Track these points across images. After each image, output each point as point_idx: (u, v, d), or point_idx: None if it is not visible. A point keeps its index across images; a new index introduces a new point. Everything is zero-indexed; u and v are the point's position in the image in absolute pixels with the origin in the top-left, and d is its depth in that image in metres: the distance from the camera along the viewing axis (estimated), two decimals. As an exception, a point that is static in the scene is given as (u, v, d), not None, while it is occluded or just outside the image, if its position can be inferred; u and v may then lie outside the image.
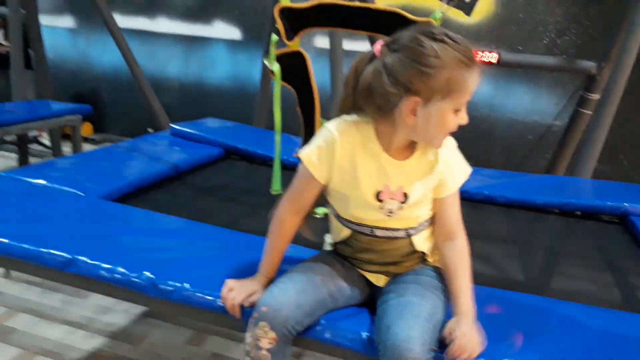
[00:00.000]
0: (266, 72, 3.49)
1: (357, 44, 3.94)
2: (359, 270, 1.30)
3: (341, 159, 1.17)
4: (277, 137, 1.94)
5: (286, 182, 1.99)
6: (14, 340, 2.15)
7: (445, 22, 1.76)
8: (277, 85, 1.86)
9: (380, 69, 1.08)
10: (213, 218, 1.83)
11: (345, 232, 1.28)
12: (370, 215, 1.21)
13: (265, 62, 1.85)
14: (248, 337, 1.13)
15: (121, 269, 1.35)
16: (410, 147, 1.19)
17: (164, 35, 4.99)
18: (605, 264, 1.82)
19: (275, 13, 1.79)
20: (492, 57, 2.90)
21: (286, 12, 1.79)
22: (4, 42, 4.52)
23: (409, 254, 1.27)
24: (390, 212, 1.20)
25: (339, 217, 1.28)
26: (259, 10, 4.57)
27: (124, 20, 4.80)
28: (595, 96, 2.94)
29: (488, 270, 1.72)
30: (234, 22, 4.76)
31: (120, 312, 2.40)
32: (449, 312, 1.17)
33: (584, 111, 2.99)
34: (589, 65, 3.00)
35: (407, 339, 1.02)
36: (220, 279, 1.26)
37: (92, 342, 2.18)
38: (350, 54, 3.75)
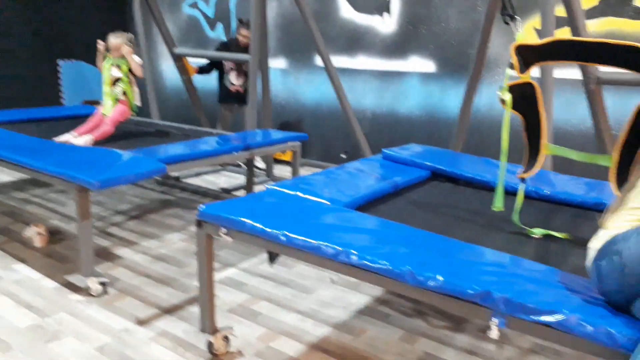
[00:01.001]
0: (468, 101, 3.72)
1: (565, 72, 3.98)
2: None
3: None
4: (503, 159, 2.15)
5: (508, 204, 2.20)
6: (261, 321, 2.65)
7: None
8: (507, 113, 2.08)
9: None
10: (433, 229, 2.10)
11: None
12: None
13: (498, 92, 2.08)
14: None
15: (383, 262, 1.69)
16: None
17: (363, 71, 5.52)
18: None
19: (511, 49, 2.02)
20: None
21: (521, 49, 2.01)
22: (235, 82, 5.45)
23: None
24: None
25: None
26: (454, 43, 4.84)
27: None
28: None
29: None
30: (429, 56, 5.09)
31: (339, 308, 2.78)
32: None
33: None
34: None
35: None
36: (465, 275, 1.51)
37: (321, 330, 2.57)
38: (558, 81, 3.80)
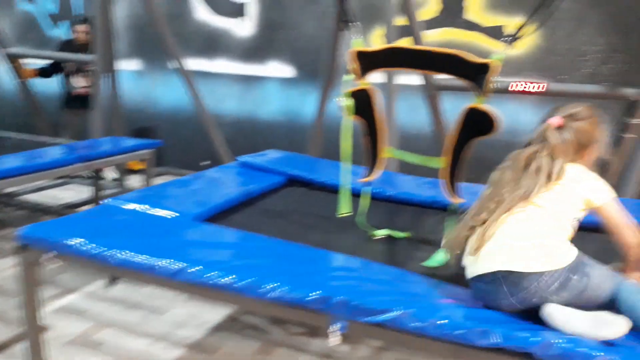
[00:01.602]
0: (322, 107, 3.78)
1: (407, 78, 4.22)
2: None
3: None
4: (346, 166, 2.17)
5: (357, 207, 2.22)
6: (105, 351, 2.40)
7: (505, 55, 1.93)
8: (347, 119, 2.10)
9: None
10: (285, 236, 2.07)
11: None
12: None
13: (338, 98, 2.10)
14: None
15: (223, 276, 1.59)
16: None
17: (222, 75, 5.38)
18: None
19: (349, 55, 2.04)
20: (540, 87, 3.07)
21: (360, 55, 2.05)
22: (78, 85, 4.98)
23: None
24: None
25: None
26: (311, 49, 4.90)
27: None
28: (637, 121, 3.07)
29: None
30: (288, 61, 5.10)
31: (194, 327, 2.63)
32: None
33: (628, 135, 3.11)
34: (631, 92, 3.13)
35: None
36: (303, 282, 1.48)
37: (173, 353, 2.41)
38: (402, 87, 4.01)
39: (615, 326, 1.36)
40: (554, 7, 1.96)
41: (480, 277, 1.53)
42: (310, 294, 1.49)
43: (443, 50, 2.02)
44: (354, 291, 1.52)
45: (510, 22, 4.19)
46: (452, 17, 4.37)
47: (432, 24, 4.44)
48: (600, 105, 3.79)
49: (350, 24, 2.15)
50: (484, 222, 1.56)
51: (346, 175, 2.21)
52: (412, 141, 4.49)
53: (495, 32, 4.25)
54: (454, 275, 1.72)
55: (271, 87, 5.22)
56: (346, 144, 2.16)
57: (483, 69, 1.90)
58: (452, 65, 1.99)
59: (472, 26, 4.32)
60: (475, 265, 1.55)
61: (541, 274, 1.44)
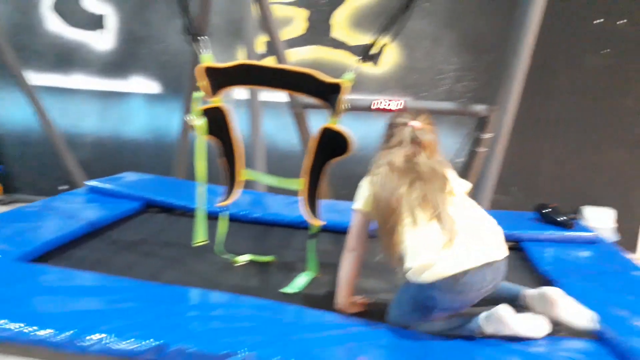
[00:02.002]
0: (187, 125, 3.56)
1: (274, 95, 4.15)
2: None
3: None
4: (201, 189, 2.01)
5: (210, 231, 2.07)
6: None
7: (356, 74, 1.92)
8: (201, 138, 1.95)
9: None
10: (133, 271, 1.85)
11: None
12: None
13: (188, 117, 1.93)
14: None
15: (39, 329, 1.35)
16: None
17: (79, 91, 4.92)
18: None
19: (198, 71, 1.89)
20: (399, 104, 3.16)
21: (209, 71, 1.90)
22: None
23: None
24: None
25: None
26: (177, 64, 4.66)
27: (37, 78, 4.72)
28: (488, 135, 3.27)
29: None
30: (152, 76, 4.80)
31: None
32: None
33: (480, 149, 3.31)
34: (481, 108, 3.35)
35: None
36: (136, 330, 1.30)
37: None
38: (266, 104, 3.93)
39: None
40: (401, 27, 1.98)
41: (465, 272, 1.44)
42: (142, 343, 1.30)
43: (297, 69, 1.96)
44: (195, 335, 1.37)
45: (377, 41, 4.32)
46: (320, 36, 4.41)
47: (300, 42, 4.44)
48: (457, 121, 4.05)
49: (196, 37, 2.00)
50: (414, 223, 1.50)
51: (202, 199, 2.05)
52: (284, 160, 4.43)
53: (361, 51, 4.35)
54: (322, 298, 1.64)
55: (135, 104, 4.88)
56: (201, 166, 2.00)
57: (335, 88, 1.87)
58: (305, 85, 1.93)
59: (338, 44, 4.39)
60: (457, 259, 1.45)
61: (507, 257, 1.54)
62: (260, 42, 3.94)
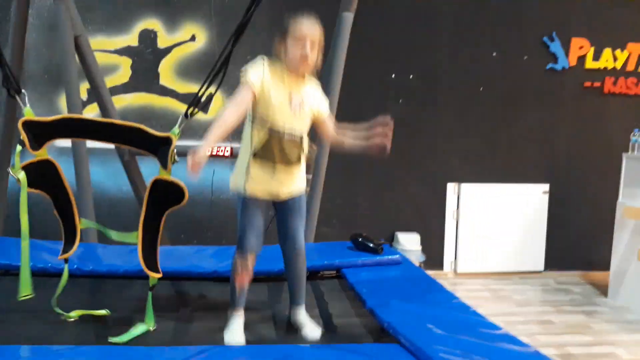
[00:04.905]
0: (3, 174, 3.30)
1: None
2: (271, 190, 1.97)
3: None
4: (24, 243, 1.96)
5: (38, 287, 2.00)
6: None
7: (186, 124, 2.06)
8: (23, 192, 1.91)
9: None
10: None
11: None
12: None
13: (10, 171, 1.89)
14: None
15: None
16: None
17: None
18: (324, 310, 2.32)
19: (19, 125, 1.87)
20: (226, 150, 3.37)
21: (31, 125, 1.89)
22: None
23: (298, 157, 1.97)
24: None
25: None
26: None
27: None
28: (308, 176, 3.65)
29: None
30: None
31: None
32: None
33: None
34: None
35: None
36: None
37: None
38: (93, 151, 3.84)
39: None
40: (223, 78, 2.18)
41: None
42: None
43: (125, 123, 2.04)
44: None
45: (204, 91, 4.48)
46: (148, 83, 4.45)
47: (127, 88, 4.43)
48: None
49: (17, 91, 1.99)
50: None
51: (25, 253, 1.99)
52: (116, 206, 4.30)
53: (189, 99, 4.47)
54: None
55: None
56: (24, 219, 1.95)
57: (165, 141, 1.98)
58: (134, 138, 2.01)
59: (167, 92, 4.47)
60: None
61: None
62: (83, 89, 3.87)
